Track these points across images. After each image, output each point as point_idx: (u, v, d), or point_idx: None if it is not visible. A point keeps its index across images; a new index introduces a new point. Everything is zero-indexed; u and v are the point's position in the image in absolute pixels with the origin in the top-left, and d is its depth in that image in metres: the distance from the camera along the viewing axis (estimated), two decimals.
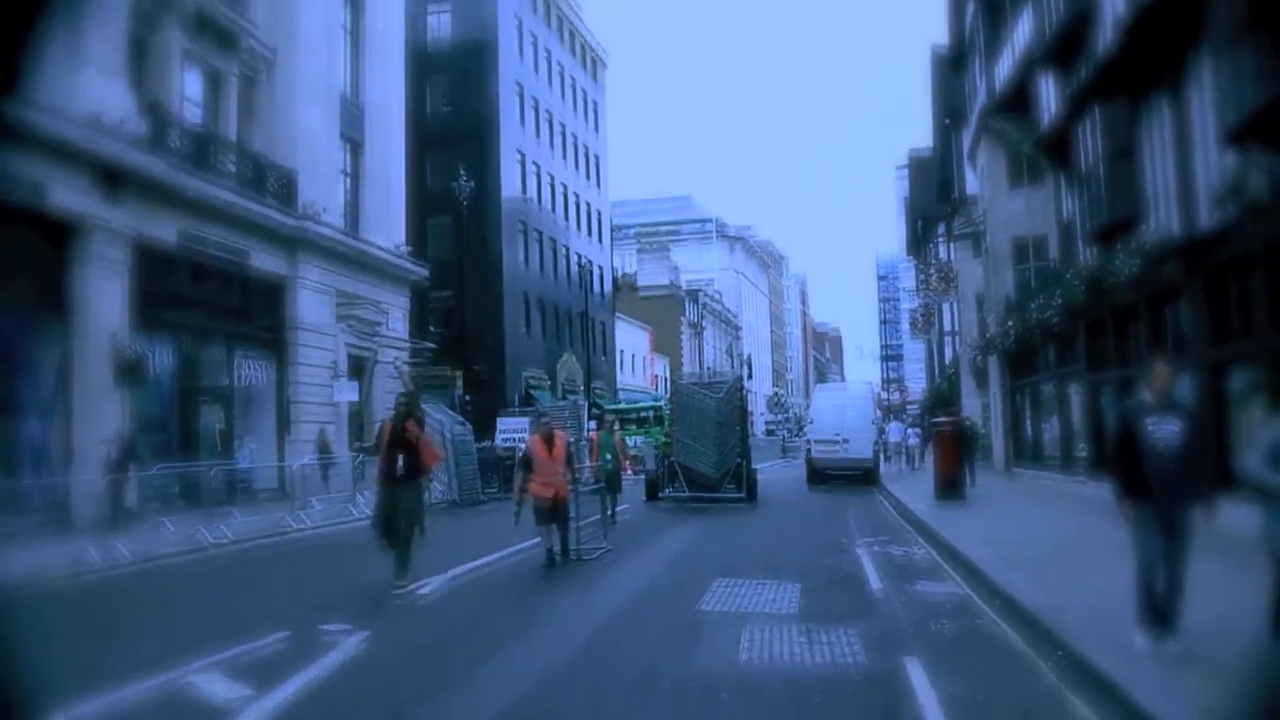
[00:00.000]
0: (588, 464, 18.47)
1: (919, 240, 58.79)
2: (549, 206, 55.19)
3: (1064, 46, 19.71)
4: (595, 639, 8.16)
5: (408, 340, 32.96)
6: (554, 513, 12.49)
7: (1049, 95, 21.94)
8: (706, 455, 22.32)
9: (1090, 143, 19.16)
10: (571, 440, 27.05)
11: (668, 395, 27.04)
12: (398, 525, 10.94)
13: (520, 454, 13.47)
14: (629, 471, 21.25)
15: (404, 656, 7.72)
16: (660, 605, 9.70)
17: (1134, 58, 15.99)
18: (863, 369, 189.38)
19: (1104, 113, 18.20)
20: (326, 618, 9.03)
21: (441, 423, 23.89)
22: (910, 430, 38.92)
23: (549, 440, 12.77)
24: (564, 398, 47.76)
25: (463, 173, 35.89)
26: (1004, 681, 6.75)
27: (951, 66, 36.89)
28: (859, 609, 9.36)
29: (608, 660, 7.35)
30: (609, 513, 17.00)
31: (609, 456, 17.87)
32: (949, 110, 40.39)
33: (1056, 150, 22.12)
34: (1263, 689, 5.14)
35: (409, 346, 32.77)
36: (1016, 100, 24.70)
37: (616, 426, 20.46)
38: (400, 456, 11.05)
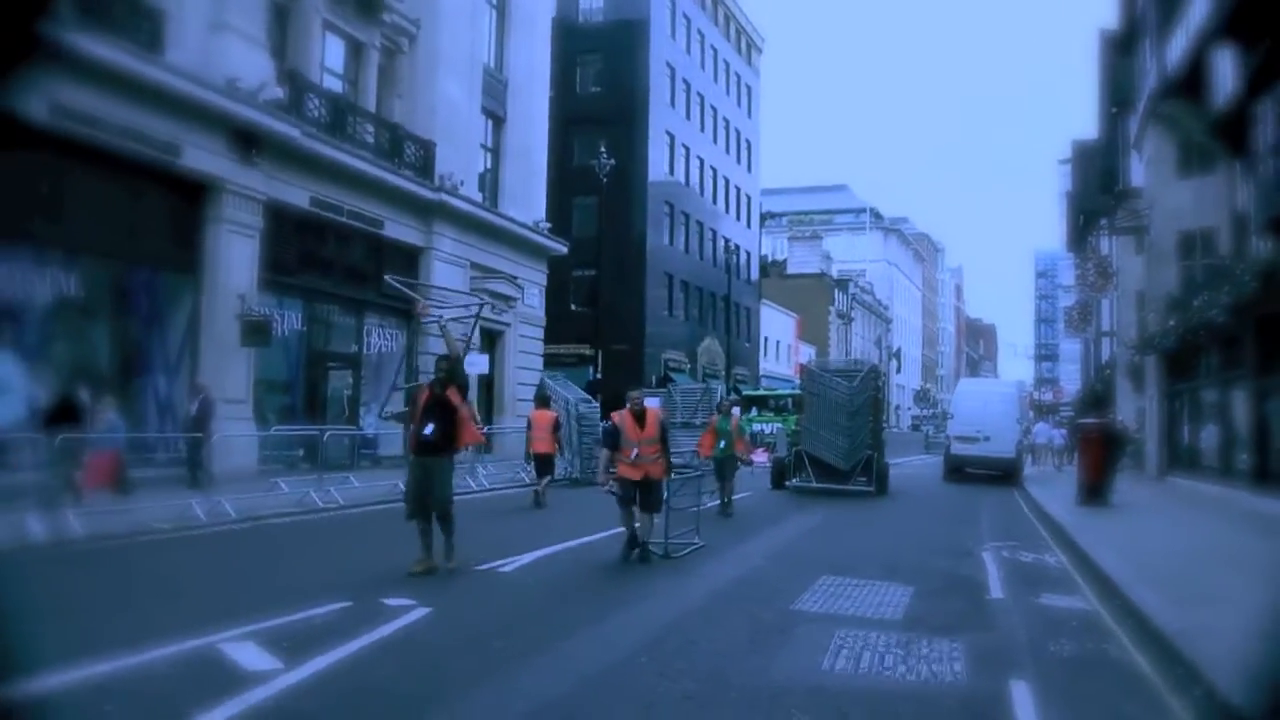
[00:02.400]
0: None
1: (1080, 235, 55.91)
2: (697, 188, 54.52)
3: (1245, 17, 17.91)
4: (666, 636, 7.35)
5: (542, 315, 32.80)
6: (643, 499, 10.98)
7: (1226, 73, 20.07)
8: (836, 445, 21.33)
9: (1271, 123, 17.37)
10: (678, 419, 25.99)
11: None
12: (427, 502, 9.90)
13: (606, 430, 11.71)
14: (752, 459, 20.05)
15: (455, 638, 7.13)
16: (750, 602, 8.81)
17: None
18: (1017, 367, 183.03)
19: None
20: (395, 590, 8.61)
21: (567, 400, 23.53)
22: (1057, 431, 37.09)
23: (639, 416, 11.24)
24: (704, 381, 47.05)
25: (603, 149, 35.46)
26: (1125, 716, 5.76)
27: (1120, 49, 34.81)
28: (971, 620, 8.34)
29: (671, 661, 6.54)
30: (725, 501, 16.32)
31: (723, 444, 16.63)
32: (1116, 97, 38.15)
33: (1232, 134, 20.24)
34: None
35: (541, 321, 32.62)
36: (1189, 82, 22.75)
37: (736, 411, 19.63)
38: (434, 424, 9.89)
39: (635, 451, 10.93)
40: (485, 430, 25.75)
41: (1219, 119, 20.63)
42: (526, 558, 10.75)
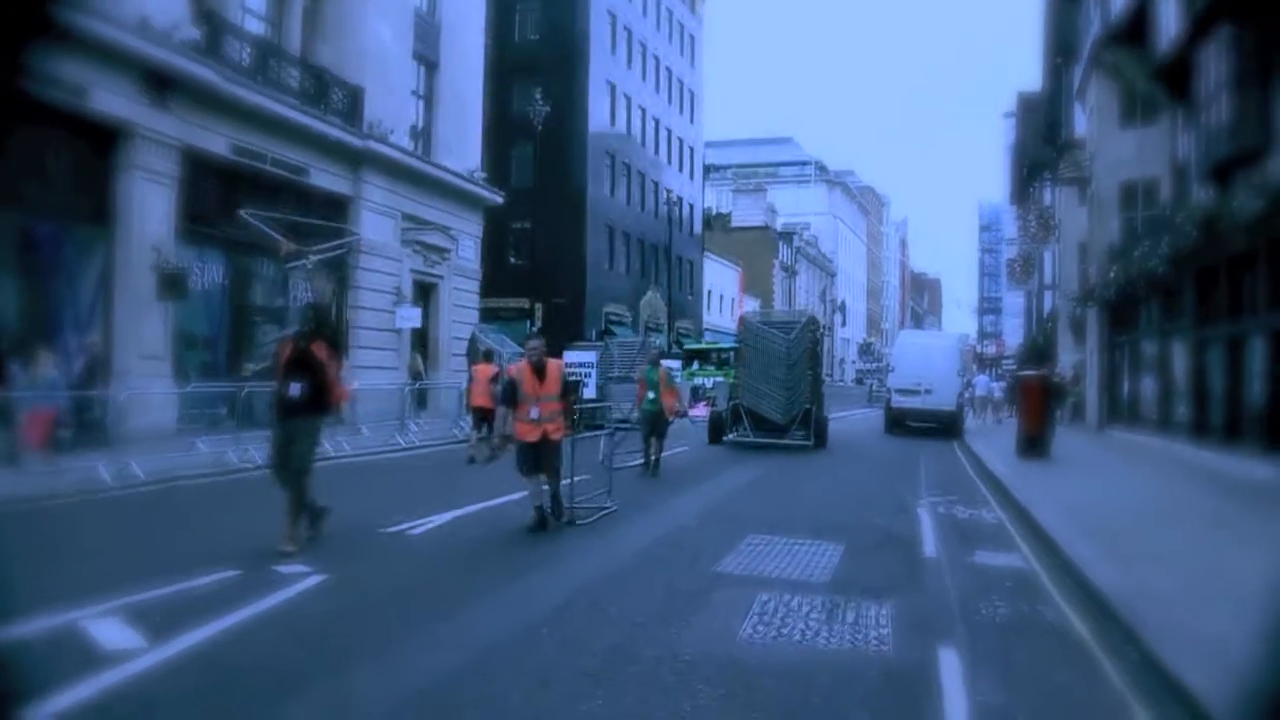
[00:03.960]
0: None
1: (1024, 187, 56.08)
2: (639, 139, 53.77)
3: None
4: (575, 603, 6.96)
5: (477, 268, 32.09)
6: (539, 461, 9.93)
7: (1169, 19, 19.83)
8: (774, 398, 21.06)
9: (1214, 69, 17.15)
10: (616, 373, 25.20)
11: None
12: (288, 468, 8.76)
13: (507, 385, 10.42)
14: (687, 413, 19.30)
15: (347, 607, 6.71)
16: (671, 565, 8.45)
17: None
18: (961, 321, 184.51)
19: (1232, 33, 16.19)
20: (290, 557, 8.12)
21: (501, 354, 23.02)
22: (996, 384, 37.31)
23: (539, 369, 10.08)
24: (646, 334, 46.65)
25: (538, 96, 34.61)
26: (1058, 685, 5.45)
27: None
28: (902, 580, 8.05)
29: (576, 632, 6.15)
30: (652, 460, 15.70)
31: (652, 396, 15.79)
32: (1060, 47, 38.07)
33: (1174, 81, 20.04)
34: None
35: (477, 274, 31.92)
36: (1132, 29, 22.55)
37: (668, 363, 19.12)
38: (299, 383, 8.69)
39: (535, 410, 9.90)
40: (418, 385, 25.20)
41: (1161, 66, 20.42)
42: (440, 518, 10.32)
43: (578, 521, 10.37)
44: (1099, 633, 6.37)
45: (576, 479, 10.80)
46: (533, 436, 9.87)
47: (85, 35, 16.74)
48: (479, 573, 8.05)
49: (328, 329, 9.20)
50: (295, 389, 8.69)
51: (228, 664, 5.39)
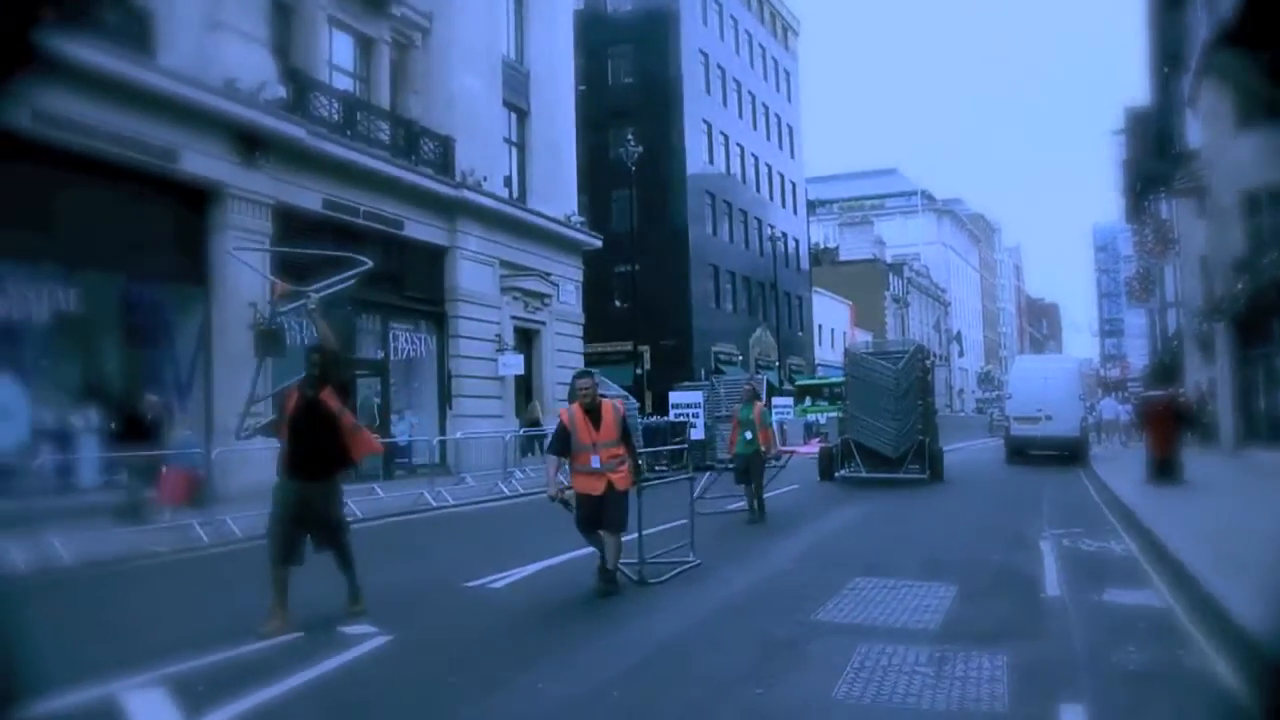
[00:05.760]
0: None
1: (1138, 204, 53.88)
2: (739, 177, 53.24)
3: None
4: (653, 659, 6.27)
5: (580, 312, 31.79)
6: (603, 515, 8.61)
7: None
8: (883, 431, 20.09)
9: None
10: (723, 412, 24.13)
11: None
12: (298, 539, 7.56)
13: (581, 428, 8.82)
14: (782, 454, 17.31)
15: (401, 675, 6.11)
16: (765, 614, 7.69)
17: None
18: (1081, 345, 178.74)
19: None
20: (360, 616, 7.60)
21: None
22: (1123, 407, 35.46)
23: (592, 411, 8.67)
24: (757, 372, 45.80)
25: (630, 138, 34.30)
26: None
27: (1169, 3, 33.10)
28: (1020, 625, 7.15)
29: (649, 693, 5.47)
30: (754, 507, 14.28)
31: (749, 436, 14.35)
32: (1167, 56, 36.45)
33: None
34: None
35: (579, 319, 31.61)
36: (1244, 28, 21.15)
37: (779, 400, 18.32)
38: (311, 439, 7.50)
39: (596, 459, 8.55)
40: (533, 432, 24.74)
41: (1277, 64, 19.07)
42: (525, 570, 9.70)
43: (649, 581, 9.07)
44: (1251, 682, 5.39)
45: (648, 532, 9.49)
46: (597, 489, 8.56)
47: (172, 97, 17.03)
48: (554, 629, 7.42)
49: (335, 375, 7.93)
50: (309, 449, 7.53)
51: None
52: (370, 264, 11.59)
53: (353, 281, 13.38)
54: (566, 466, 8.79)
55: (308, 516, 7.55)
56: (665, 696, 5.39)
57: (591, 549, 8.93)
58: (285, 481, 7.57)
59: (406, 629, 7.26)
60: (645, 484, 9.55)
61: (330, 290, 11.68)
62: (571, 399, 8.78)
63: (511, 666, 6.14)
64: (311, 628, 7.17)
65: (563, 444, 8.69)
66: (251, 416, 14.11)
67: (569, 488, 8.77)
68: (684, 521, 10.58)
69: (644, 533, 9.25)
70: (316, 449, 7.50)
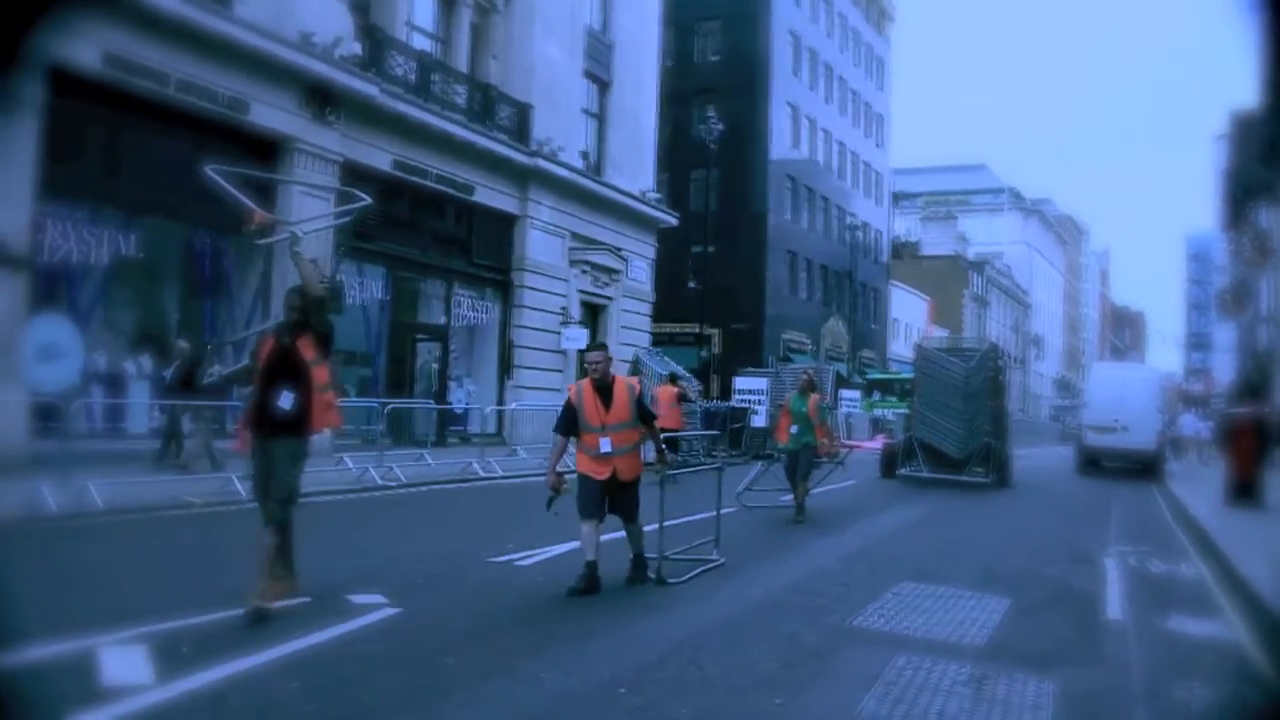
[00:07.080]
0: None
1: (1239, 212, 51.82)
2: (823, 163, 52.26)
3: None
4: (670, 658, 5.77)
5: (650, 290, 31.36)
6: (614, 503, 7.92)
7: None
8: (950, 431, 19.38)
9: None
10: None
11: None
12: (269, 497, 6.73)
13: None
14: (839, 451, 16.35)
15: (397, 652, 5.69)
16: (799, 613, 7.18)
17: None
18: (1166, 358, 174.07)
19: None
20: (372, 585, 7.27)
21: (660, 376, 22.04)
22: (1204, 424, 34.09)
23: (603, 390, 7.83)
24: (827, 362, 45.01)
25: (711, 113, 33.57)
26: None
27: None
28: (1074, 647, 6.56)
29: (658, 696, 4.99)
30: (798, 505, 13.22)
31: (795, 430, 13.22)
32: (1277, 60, 34.78)
33: None
34: None
35: (649, 296, 31.18)
36: None
37: (846, 393, 17.62)
38: (283, 392, 6.60)
39: (606, 442, 7.74)
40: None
41: None
42: (558, 549, 9.19)
43: (667, 580, 8.20)
44: None
45: (674, 524, 8.91)
46: (602, 474, 7.77)
47: (244, 47, 16.88)
48: (570, 616, 6.96)
49: (319, 322, 6.83)
50: (286, 400, 6.60)
51: (230, 710, 4.52)
52: (369, 201, 10.48)
53: (349, 219, 12.62)
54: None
55: (270, 474, 6.72)
56: (673, 700, 4.92)
57: (650, 527, 8.34)
58: (256, 441, 6.79)
59: (417, 602, 6.91)
60: (675, 471, 8.92)
61: (319, 228, 10.64)
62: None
63: (517, 651, 5.73)
64: (323, 593, 6.85)
65: (569, 424, 7.89)
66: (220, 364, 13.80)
67: (572, 471, 8.02)
68: (720, 513, 9.98)
69: (667, 525, 8.59)
70: (287, 401, 6.62)
